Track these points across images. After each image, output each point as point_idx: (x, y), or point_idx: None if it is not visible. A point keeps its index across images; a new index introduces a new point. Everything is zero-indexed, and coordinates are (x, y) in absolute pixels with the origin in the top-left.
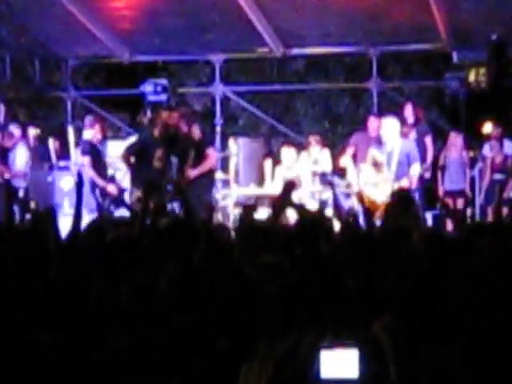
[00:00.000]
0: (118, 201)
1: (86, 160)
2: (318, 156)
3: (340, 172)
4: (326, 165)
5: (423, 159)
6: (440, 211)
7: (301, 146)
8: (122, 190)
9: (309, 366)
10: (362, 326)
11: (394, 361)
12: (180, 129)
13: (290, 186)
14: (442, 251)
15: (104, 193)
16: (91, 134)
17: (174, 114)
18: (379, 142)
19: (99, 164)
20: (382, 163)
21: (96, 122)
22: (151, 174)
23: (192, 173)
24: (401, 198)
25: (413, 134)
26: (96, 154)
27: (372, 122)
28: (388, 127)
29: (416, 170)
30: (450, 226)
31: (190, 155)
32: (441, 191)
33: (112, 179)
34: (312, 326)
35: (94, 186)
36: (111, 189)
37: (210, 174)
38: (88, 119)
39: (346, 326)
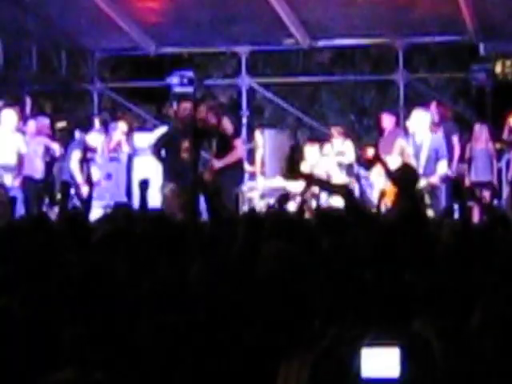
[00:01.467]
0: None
1: None
2: (341, 147)
3: (366, 164)
4: (349, 156)
5: (450, 157)
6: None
7: (324, 139)
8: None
9: (349, 364)
10: (403, 323)
11: (443, 359)
12: (208, 121)
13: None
14: (469, 242)
15: None
16: None
17: (201, 107)
18: (402, 135)
19: None
20: (410, 154)
21: None
22: (180, 166)
23: (217, 163)
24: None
25: (440, 133)
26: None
27: (384, 119)
28: (417, 119)
29: (443, 167)
30: (476, 216)
31: (213, 145)
32: (468, 183)
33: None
34: (353, 322)
35: None
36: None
37: (239, 165)
38: None
39: (387, 324)
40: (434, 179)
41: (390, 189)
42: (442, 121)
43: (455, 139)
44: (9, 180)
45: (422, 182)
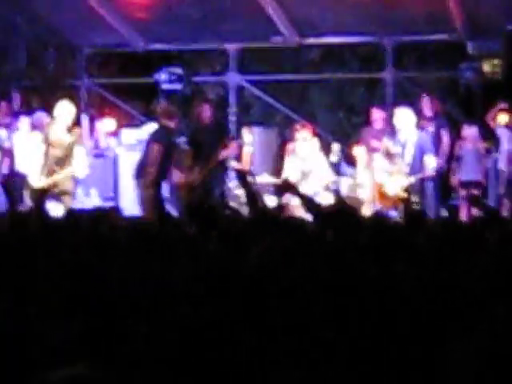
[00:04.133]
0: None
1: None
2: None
3: (352, 162)
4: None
5: (438, 153)
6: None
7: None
8: None
9: None
10: None
11: None
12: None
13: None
14: (456, 241)
15: None
16: None
17: (206, 106)
18: (389, 133)
19: None
20: (396, 154)
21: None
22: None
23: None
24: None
25: (430, 128)
26: None
27: (374, 113)
28: (402, 117)
29: (431, 160)
30: (463, 216)
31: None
32: (455, 182)
33: None
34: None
35: None
36: None
37: (224, 162)
38: None
39: None
40: (427, 172)
41: (381, 182)
42: (433, 116)
43: (444, 134)
44: None
45: (410, 180)
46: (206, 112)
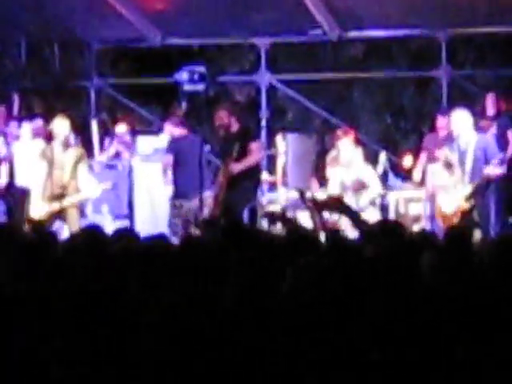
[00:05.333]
0: None
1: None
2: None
3: (401, 173)
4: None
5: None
6: None
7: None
8: None
9: None
10: None
11: None
12: (231, 128)
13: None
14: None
15: None
16: None
17: (223, 112)
18: (451, 140)
19: None
20: (455, 164)
21: None
22: None
23: (236, 167)
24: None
25: (493, 129)
26: None
27: (440, 121)
28: (458, 121)
29: (492, 169)
30: None
31: (234, 150)
32: None
33: None
34: None
35: None
36: None
37: (255, 173)
38: None
39: None
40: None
41: (438, 199)
42: (497, 115)
43: (510, 135)
44: None
45: (471, 187)
46: (224, 119)
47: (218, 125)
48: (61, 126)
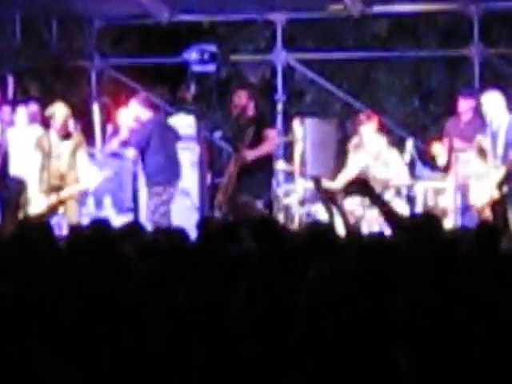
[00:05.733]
0: None
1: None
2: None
3: (430, 162)
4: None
5: None
6: None
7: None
8: None
9: None
10: None
11: None
12: (246, 111)
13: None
14: None
15: None
16: None
17: (242, 93)
18: (480, 126)
19: None
20: (488, 150)
21: None
22: None
23: (250, 154)
24: None
25: None
26: None
27: (462, 103)
28: (492, 103)
29: None
30: None
31: (247, 136)
32: None
33: None
34: None
35: None
36: None
37: (269, 163)
38: None
39: None
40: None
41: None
42: None
43: None
44: None
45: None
46: (242, 99)
47: (234, 105)
48: (59, 110)
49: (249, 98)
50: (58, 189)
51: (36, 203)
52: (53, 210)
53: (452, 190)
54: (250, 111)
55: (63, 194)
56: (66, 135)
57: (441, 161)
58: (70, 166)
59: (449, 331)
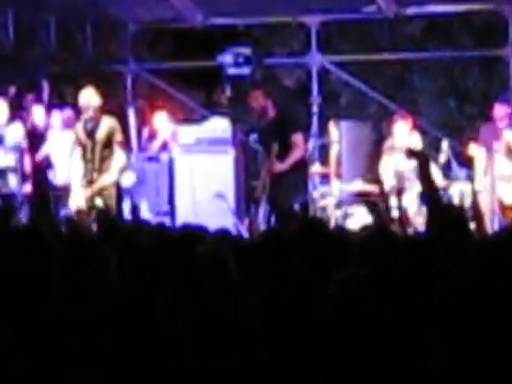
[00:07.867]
0: None
1: None
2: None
3: (466, 163)
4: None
5: None
6: None
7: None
8: None
9: None
10: None
11: None
12: (267, 112)
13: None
14: None
15: None
16: None
17: (258, 93)
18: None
19: None
20: None
21: None
22: None
23: (280, 165)
24: None
25: None
26: None
27: (498, 109)
28: None
29: None
30: None
31: (273, 144)
32: None
33: None
34: None
35: None
36: None
37: (301, 167)
38: None
39: None
40: None
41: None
42: None
43: None
44: (13, 183)
45: None
46: (259, 100)
47: (251, 107)
48: (88, 97)
49: (265, 98)
50: (92, 182)
51: (78, 200)
52: (92, 203)
53: (488, 191)
54: (271, 112)
55: (97, 186)
56: (98, 121)
57: (477, 162)
58: (104, 154)
59: (490, 328)
